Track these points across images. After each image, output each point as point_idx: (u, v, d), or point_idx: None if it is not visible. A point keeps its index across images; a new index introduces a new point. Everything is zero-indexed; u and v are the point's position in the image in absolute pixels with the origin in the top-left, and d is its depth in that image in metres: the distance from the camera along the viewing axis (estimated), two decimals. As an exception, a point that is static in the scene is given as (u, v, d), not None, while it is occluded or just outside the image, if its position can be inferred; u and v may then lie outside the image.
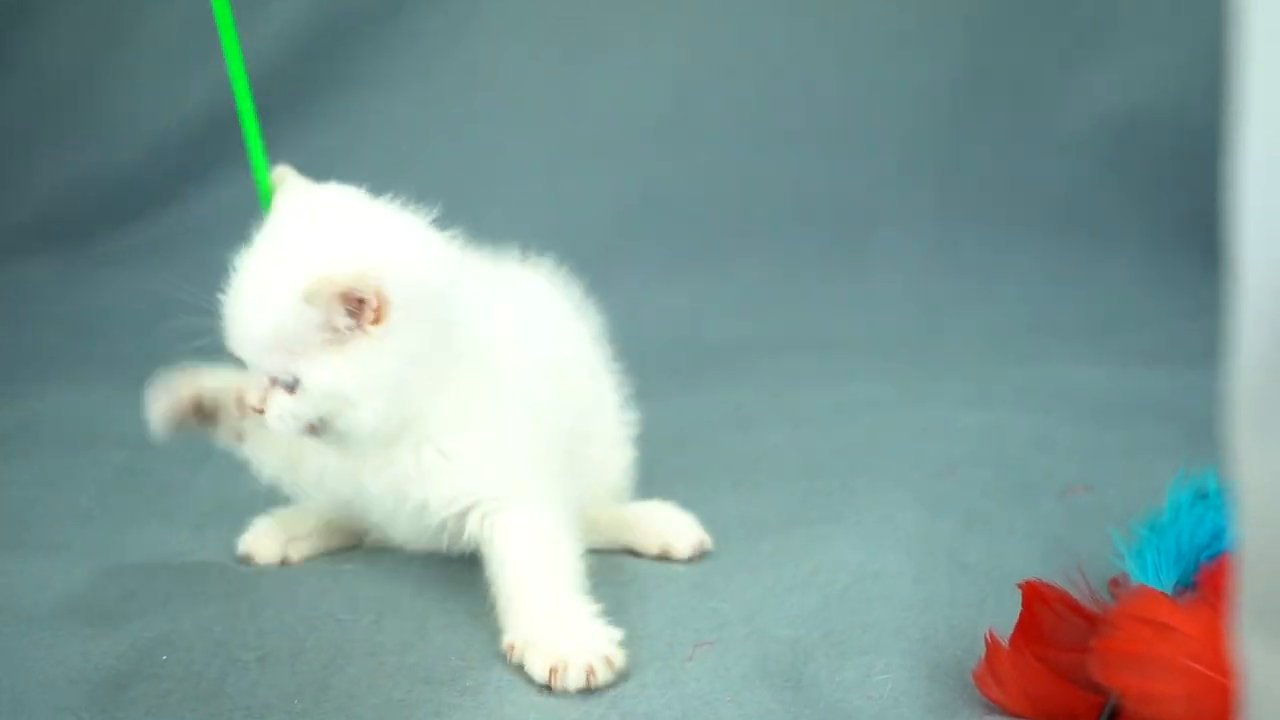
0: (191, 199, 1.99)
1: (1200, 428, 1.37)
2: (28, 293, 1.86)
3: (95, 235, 1.96)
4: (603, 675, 0.87)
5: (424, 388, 0.95)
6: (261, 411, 0.94)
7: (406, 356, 0.93)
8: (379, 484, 0.98)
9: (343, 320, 0.90)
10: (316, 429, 0.94)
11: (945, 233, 2.02)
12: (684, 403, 1.49)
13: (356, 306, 0.90)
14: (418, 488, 0.97)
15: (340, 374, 0.91)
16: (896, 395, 1.52)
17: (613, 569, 1.06)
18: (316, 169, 2.01)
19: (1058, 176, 2.06)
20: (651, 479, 1.26)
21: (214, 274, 1.88)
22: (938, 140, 2.07)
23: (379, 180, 1.99)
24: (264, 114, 1.99)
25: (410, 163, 2.00)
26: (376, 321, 0.91)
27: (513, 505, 0.97)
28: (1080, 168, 2.06)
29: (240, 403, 0.98)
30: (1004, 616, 0.96)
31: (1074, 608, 0.84)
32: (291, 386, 0.92)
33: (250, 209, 1.99)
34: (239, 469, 1.26)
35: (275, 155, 2.03)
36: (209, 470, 1.26)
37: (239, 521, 1.15)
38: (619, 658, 0.89)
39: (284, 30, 2.00)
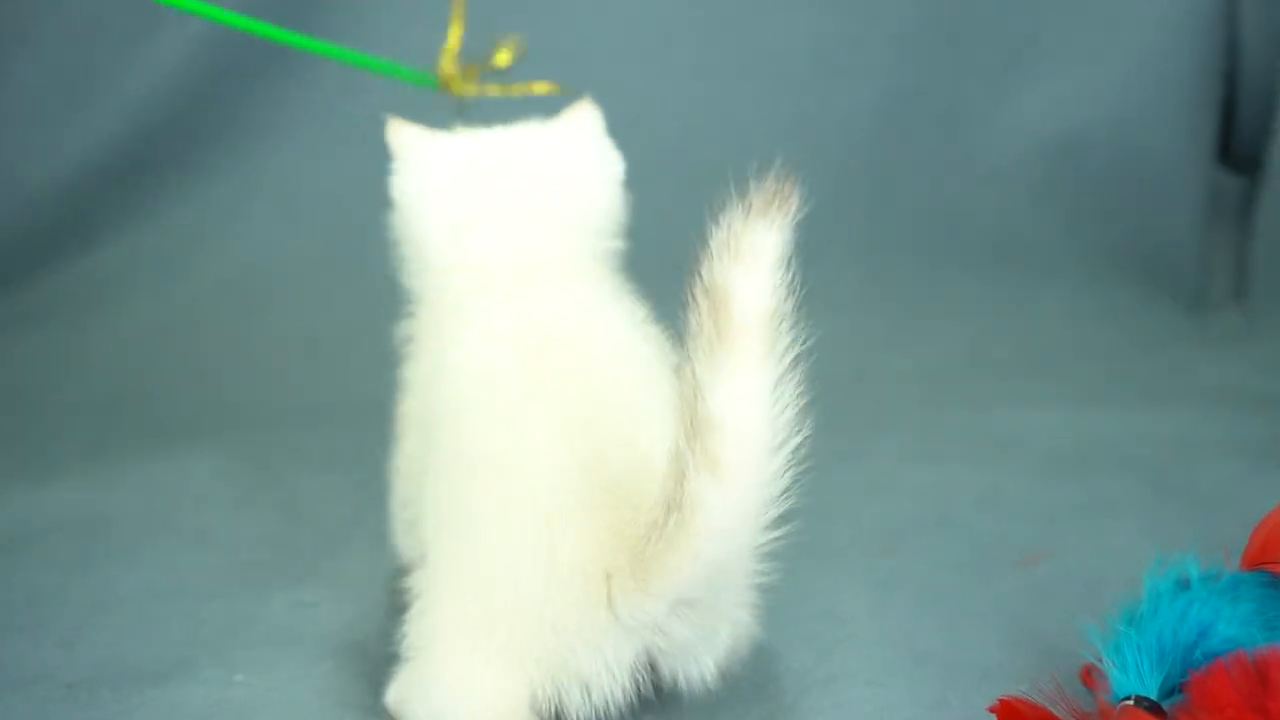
0: (70, 262, 1.86)
1: (1156, 477, 1.31)
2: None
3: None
4: None
5: None
6: None
7: None
8: None
9: None
10: None
11: (874, 268, 1.94)
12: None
13: None
14: None
15: None
16: (834, 449, 1.41)
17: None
18: (207, 219, 1.91)
19: (989, 205, 1.99)
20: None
21: (97, 342, 1.79)
22: (862, 172, 1.99)
23: (273, 231, 1.87)
24: (152, 164, 1.90)
25: (305, 214, 1.88)
26: None
27: None
28: (1013, 195, 1.99)
29: None
30: (969, 716, 0.87)
31: (1052, 723, 0.75)
32: None
33: (136, 271, 1.89)
34: (115, 575, 1.15)
35: (163, 204, 1.93)
36: (84, 576, 1.15)
37: (112, 635, 1.03)
38: None
39: (171, 78, 1.88)
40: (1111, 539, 1.16)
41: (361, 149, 1.86)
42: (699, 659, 0.84)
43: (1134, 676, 0.78)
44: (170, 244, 1.88)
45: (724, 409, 0.72)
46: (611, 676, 0.80)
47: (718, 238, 0.72)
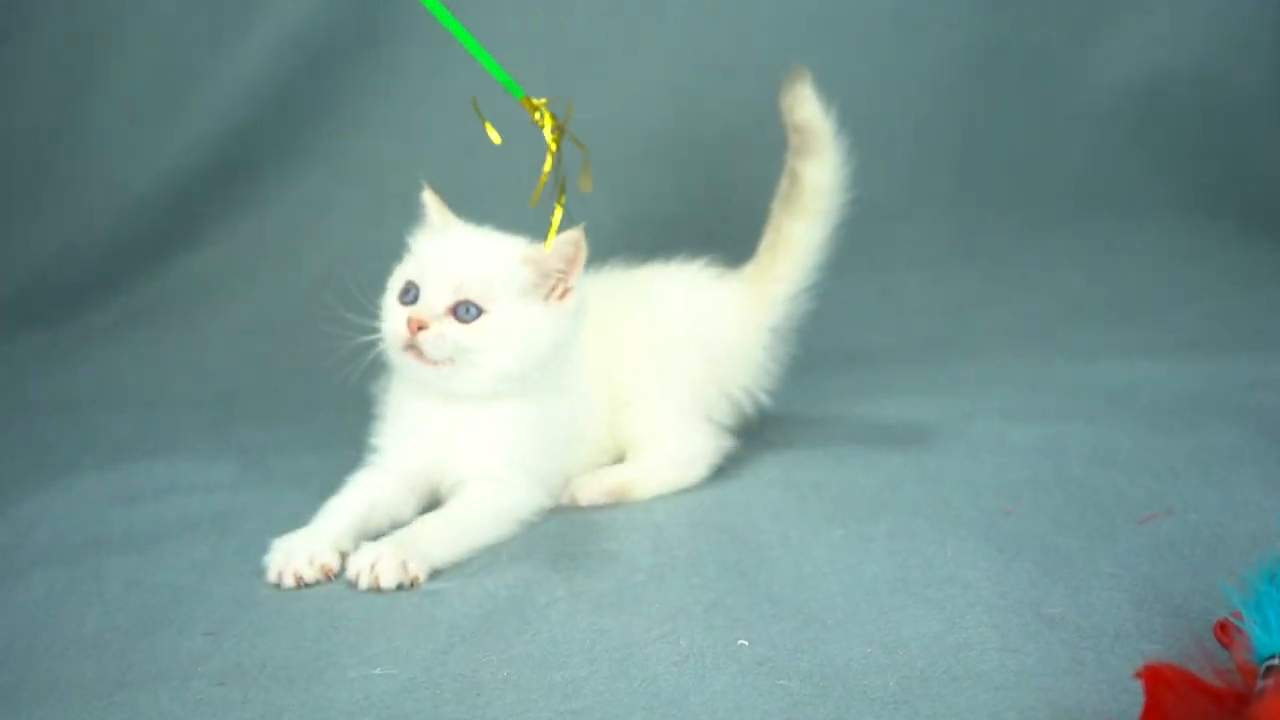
0: (176, 261, 1.90)
1: (1272, 424, 1.29)
2: (12, 375, 1.76)
3: (80, 307, 1.87)
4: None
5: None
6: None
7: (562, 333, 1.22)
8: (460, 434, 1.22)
9: (542, 286, 1.21)
10: (451, 360, 1.18)
11: (966, 221, 1.93)
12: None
13: (555, 280, 1.21)
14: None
15: (520, 322, 1.19)
16: (939, 412, 1.43)
17: (668, 646, 0.97)
18: (304, 212, 1.94)
19: (1079, 151, 1.97)
20: (690, 527, 1.18)
21: (207, 339, 1.83)
22: (952, 123, 1.98)
23: (367, 220, 1.90)
24: (248, 160, 1.94)
25: (397, 201, 1.90)
26: (563, 296, 1.21)
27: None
28: (1102, 140, 1.97)
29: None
30: (1106, 681, 0.88)
31: (1198, 687, 0.75)
32: (470, 319, 1.18)
33: (240, 266, 1.93)
34: (249, 573, 1.18)
35: (261, 199, 1.97)
36: (221, 571, 1.18)
37: (255, 629, 1.07)
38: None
39: (262, 74, 1.91)
40: (1233, 492, 1.15)
41: (448, 134, 1.90)
42: None
43: (1278, 635, 0.78)
44: (271, 238, 1.92)
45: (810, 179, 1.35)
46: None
47: None
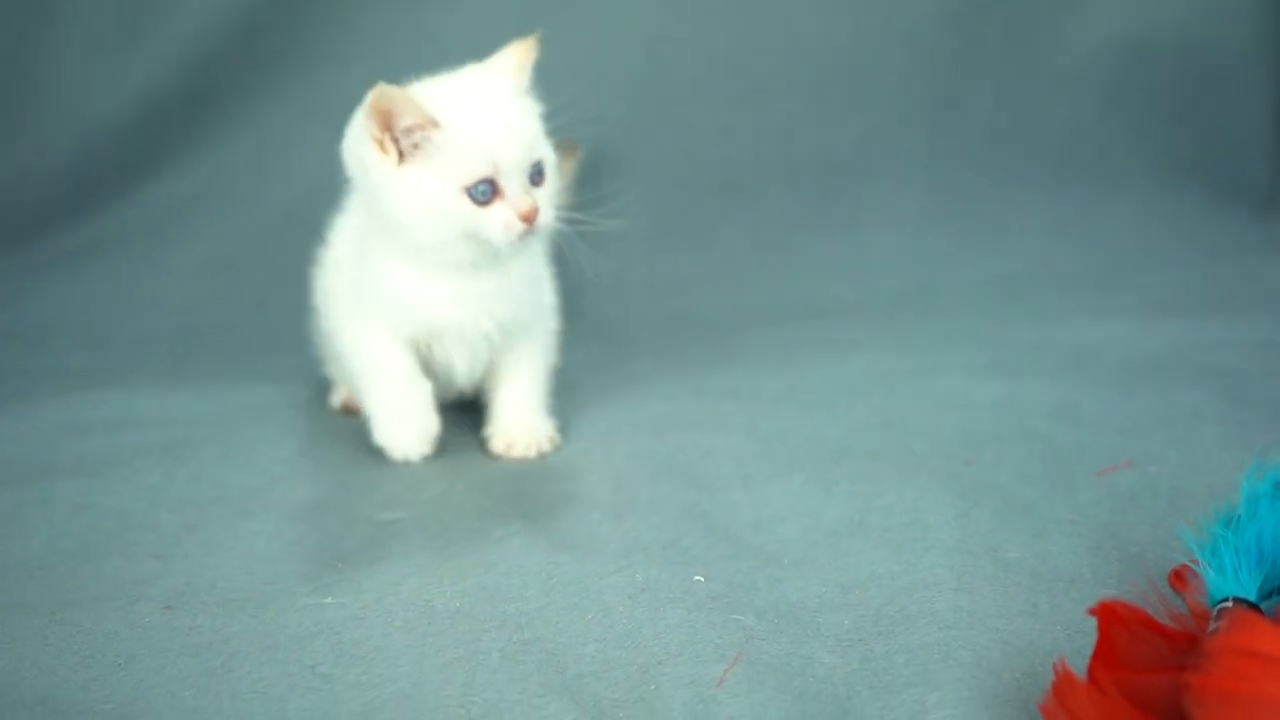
0: (137, 192, 1.86)
1: (1234, 386, 1.29)
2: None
3: (35, 237, 1.83)
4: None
5: None
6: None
7: None
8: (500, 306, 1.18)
9: None
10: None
11: (940, 181, 1.92)
12: (677, 385, 1.39)
13: None
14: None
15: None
16: (905, 365, 1.42)
17: (624, 580, 0.96)
18: (268, 148, 1.91)
19: (1056, 114, 1.95)
20: (652, 470, 1.17)
21: (167, 272, 1.80)
22: (927, 83, 1.95)
23: (334, 158, 1.87)
24: (212, 91, 1.90)
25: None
26: None
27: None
28: (1079, 104, 1.95)
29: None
30: (1060, 623, 0.88)
31: (1152, 626, 0.75)
32: (541, 174, 1.13)
33: (202, 199, 1.90)
34: (201, 499, 1.16)
35: (224, 135, 1.94)
36: (172, 497, 1.17)
37: (204, 550, 1.05)
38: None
39: (225, 6, 1.87)
40: (1193, 448, 1.15)
41: (416, 71, 1.86)
42: None
43: (1232, 578, 0.78)
44: (234, 173, 1.89)
45: None
46: None
47: None
